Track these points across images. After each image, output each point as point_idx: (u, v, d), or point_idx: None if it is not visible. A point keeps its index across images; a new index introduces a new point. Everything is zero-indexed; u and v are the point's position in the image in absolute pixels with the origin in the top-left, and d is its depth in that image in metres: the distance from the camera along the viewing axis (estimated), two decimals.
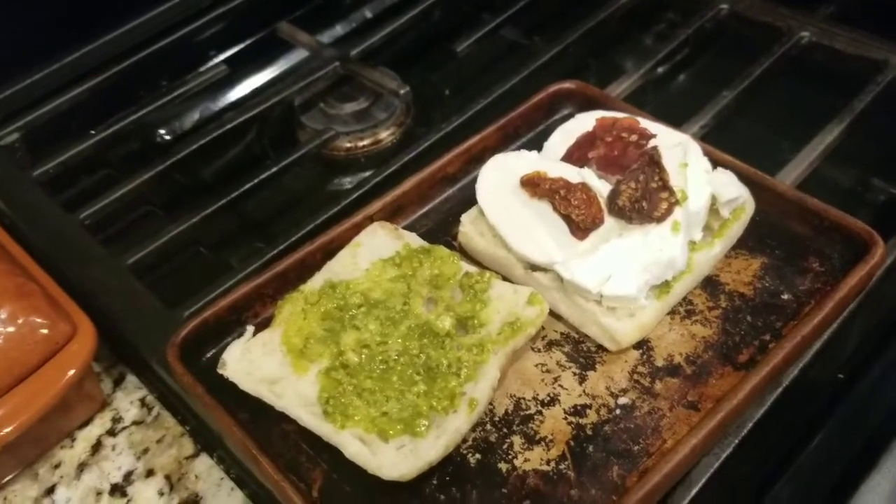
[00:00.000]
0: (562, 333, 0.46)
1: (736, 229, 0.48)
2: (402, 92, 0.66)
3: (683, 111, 0.60)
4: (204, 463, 0.47)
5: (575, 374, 0.44)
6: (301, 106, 0.72)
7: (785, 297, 0.46)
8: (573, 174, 0.47)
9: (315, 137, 0.65)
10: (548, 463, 0.41)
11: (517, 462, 0.41)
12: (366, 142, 0.68)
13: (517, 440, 0.42)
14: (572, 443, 0.41)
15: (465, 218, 0.50)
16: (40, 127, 0.68)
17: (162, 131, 0.72)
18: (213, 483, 0.46)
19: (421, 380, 0.41)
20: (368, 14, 0.82)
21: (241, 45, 0.77)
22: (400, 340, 0.42)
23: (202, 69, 0.74)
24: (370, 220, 0.51)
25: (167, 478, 0.47)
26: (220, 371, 0.43)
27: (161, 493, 0.46)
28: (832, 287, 0.44)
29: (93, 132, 0.66)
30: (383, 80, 0.68)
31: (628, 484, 0.39)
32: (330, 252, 0.49)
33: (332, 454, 0.40)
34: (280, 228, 0.56)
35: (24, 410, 0.45)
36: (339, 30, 0.80)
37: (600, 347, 0.45)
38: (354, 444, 0.39)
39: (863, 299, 0.47)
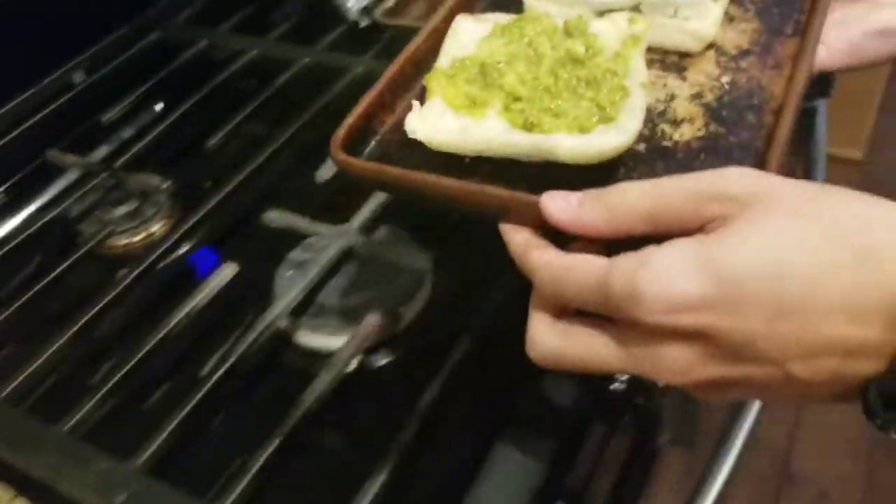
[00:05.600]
0: (647, 58, 0.55)
1: None
2: (163, 186, 0.77)
3: None
4: None
5: (676, 77, 0.53)
6: (76, 218, 0.78)
7: None
8: None
9: (91, 239, 0.73)
10: (699, 130, 0.49)
11: (675, 137, 0.48)
12: (140, 236, 0.76)
13: (665, 126, 0.49)
14: (707, 114, 0.50)
15: None
16: None
17: None
18: None
19: (587, 89, 0.47)
20: (127, 132, 0.89)
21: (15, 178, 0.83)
22: (547, 73, 0.48)
23: None
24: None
25: None
26: (411, 136, 0.47)
27: None
28: None
29: None
30: (147, 181, 0.78)
31: (766, 121, 0.48)
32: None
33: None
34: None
35: None
36: (103, 150, 0.85)
37: (681, 55, 0.54)
38: (567, 140, 0.44)
39: None
